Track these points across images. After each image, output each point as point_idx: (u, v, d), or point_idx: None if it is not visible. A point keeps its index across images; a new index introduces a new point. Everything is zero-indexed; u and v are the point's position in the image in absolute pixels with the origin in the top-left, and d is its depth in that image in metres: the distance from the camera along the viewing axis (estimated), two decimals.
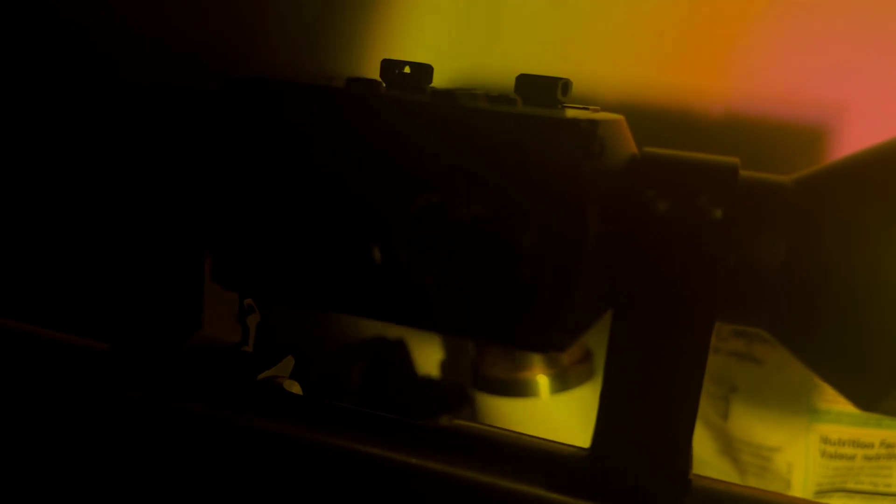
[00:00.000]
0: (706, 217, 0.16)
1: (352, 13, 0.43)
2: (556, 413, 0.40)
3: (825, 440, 0.37)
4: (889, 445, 0.36)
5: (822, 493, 0.38)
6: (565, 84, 0.18)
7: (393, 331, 0.47)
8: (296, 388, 0.22)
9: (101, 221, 0.21)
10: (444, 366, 0.48)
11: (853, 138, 0.37)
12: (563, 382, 0.40)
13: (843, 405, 0.37)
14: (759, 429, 0.38)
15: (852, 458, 0.37)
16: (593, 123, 0.16)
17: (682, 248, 0.16)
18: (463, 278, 0.17)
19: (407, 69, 0.19)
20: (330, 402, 0.20)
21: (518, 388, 0.40)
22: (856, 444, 0.37)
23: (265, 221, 0.18)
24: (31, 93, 0.21)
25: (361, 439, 0.19)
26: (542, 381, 0.40)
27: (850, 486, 0.37)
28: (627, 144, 0.18)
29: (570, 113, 0.17)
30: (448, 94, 0.17)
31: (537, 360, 0.40)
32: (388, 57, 0.19)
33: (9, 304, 0.25)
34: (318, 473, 0.19)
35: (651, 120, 0.38)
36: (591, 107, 0.18)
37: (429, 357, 0.48)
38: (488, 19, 0.40)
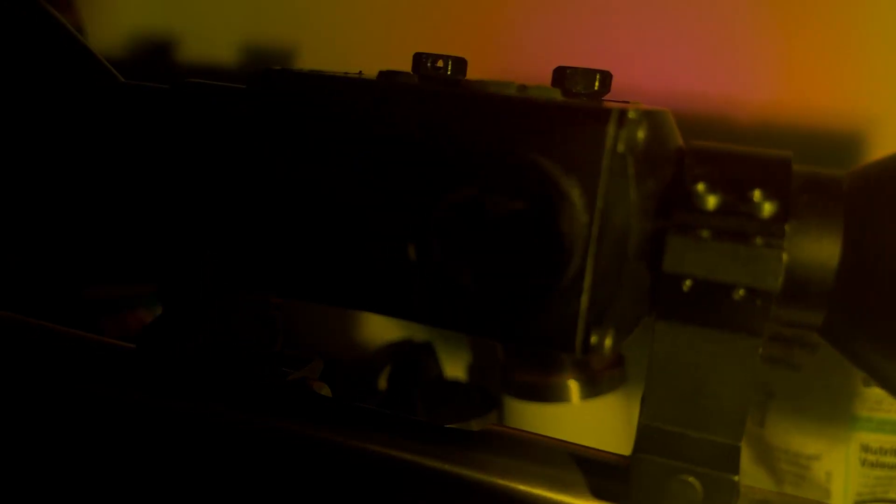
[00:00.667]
0: (760, 212, 0.15)
1: (385, 6, 0.42)
2: (586, 419, 0.39)
3: (866, 448, 0.36)
4: None
5: (862, 502, 0.37)
6: (604, 76, 0.18)
7: (420, 334, 0.46)
8: (326, 391, 0.21)
9: (127, 220, 0.21)
10: (472, 369, 0.47)
11: (884, 148, 0.36)
12: (594, 388, 0.39)
13: (885, 413, 0.36)
14: (797, 436, 0.37)
15: (894, 467, 0.36)
16: (638, 114, 0.15)
17: (733, 245, 0.15)
18: (499, 275, 0.16)
19: (440, 62, 0.18)
20: (359, 404, 0.20)
21: (548, 393, 0.39)
22: None
23: (295, 216, 0.17)
24: (52, 93, 0.21)
25: (392, 443, 0.18)
26: (573, 386, 0.39)
27: (893, 495, 0.36)
28: (674, 138, 0.17)
29: (612, 105, 0.16)
30: (483, 86, 0.17)
31: (568, 365, 0.39)
32: (421, 51, 0.18)
33: (30, 305, 0.24)
34: (347, 476, 0.18)
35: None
36: (631, 101, 0.18)
37: (456, 360, 0.47)
38: (523, 11, 0.39)
